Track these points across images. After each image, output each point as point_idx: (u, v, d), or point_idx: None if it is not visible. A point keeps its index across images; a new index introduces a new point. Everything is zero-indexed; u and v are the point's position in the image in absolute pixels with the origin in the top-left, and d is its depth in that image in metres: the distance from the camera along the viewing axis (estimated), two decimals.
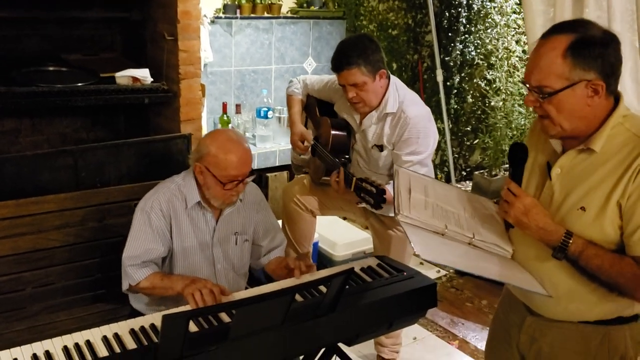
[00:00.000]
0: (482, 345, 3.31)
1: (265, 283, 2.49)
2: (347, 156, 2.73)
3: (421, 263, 4.16)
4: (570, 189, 1.60)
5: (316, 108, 2.89)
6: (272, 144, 4.22)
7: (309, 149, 2.85)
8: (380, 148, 2.58)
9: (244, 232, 2.34)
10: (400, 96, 2.57)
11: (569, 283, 1.62)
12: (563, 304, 1.65)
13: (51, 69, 3.10)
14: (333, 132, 2.68)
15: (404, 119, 2.51)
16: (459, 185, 5.36)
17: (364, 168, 2.71)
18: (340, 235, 3.95)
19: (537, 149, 1.72)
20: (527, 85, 1.56)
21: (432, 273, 4.04)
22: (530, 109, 4.82)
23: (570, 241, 1.54)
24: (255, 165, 4.12)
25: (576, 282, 1.61)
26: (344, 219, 4.32)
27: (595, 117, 1.55)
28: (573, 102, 1.51)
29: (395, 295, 1.97)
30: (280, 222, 3.00)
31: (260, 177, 4.39)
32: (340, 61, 2.46)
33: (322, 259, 3.91)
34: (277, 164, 4.25)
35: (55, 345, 1.68)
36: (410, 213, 1.66)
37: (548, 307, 1.69)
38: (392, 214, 2.65)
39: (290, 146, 3.03)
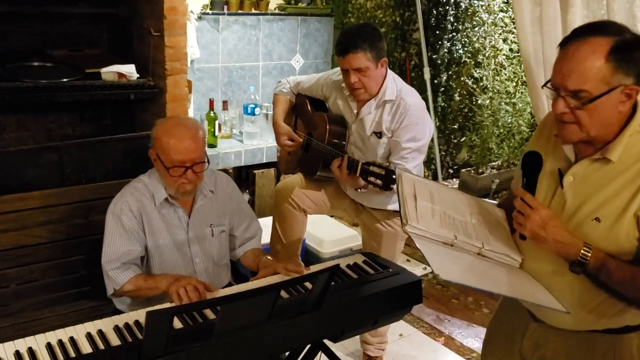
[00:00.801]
0: (467, 341, 3.33)
1: (250, 278, 2.49)
2: (344, 148, 2.72)
3: (408, 260, 4.18)
4: (584, 198, 1.54)
5: (308, 105, 2.89)
6: (259, 141, 4.21)
7: (302, 146, 2.85)
8: (379, 135, 2.59)
9: (219, 223, 2.34)
10: (397, 85, 2.60)
11: (581, 295, 1.58)
12: (573, 314, 1.59)
13: (36, 64, 3.07)
14: (330, 125, 2.68)
15: (403, 106, 2.54)
16: (446, 183, 5.38)
17: (361, 159, 2.71)
18: (328, 233, 3.95)
19: (547, 155, 1.64)
20: (558, 91, 1.47)
21: (418, 270, 4.06)
22: (518, 106, 4.86)
23: (590, 254, 1.48)
24: (242, 162, 4.12)
25: (588, 295, 1.57)
26: (331, 216, 4.32)
27: (617, 124, 1.50)
28: (607, 108, 1.45)
29: (380, 292, 1.98)
30: (269, 218, 3.01)
31: (248, 174, 4.39)
32: (347, 44, 2.47)
33: (310, 256, 3.91)
34: (264, 161, 4.25)
35: (38, 342, 1.67)
36: (418, 224, 1.60)
37: (555, 316, 1.65)
38: (390, 207, 2.67)
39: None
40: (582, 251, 1.49)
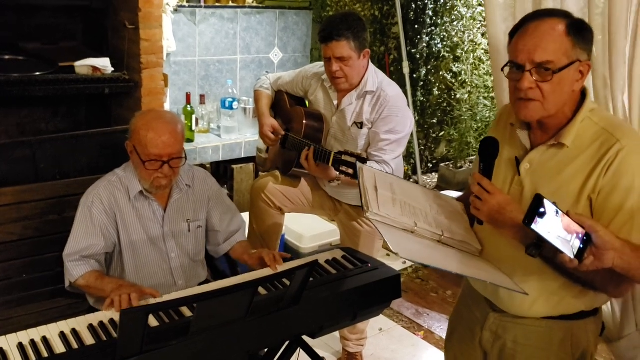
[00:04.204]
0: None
1: (229, 275, 2.47)
2: (321, 142, 2.70)
3: (387, 255, 4.18)
4: (541, 184, 1.59)
5: (286, 101, 2.87)
6: (237, 136, 4.17)
7: (279, 142, 2.82)
8: (360, 125, 2.58)
9: (196, 218, 2.31)
10: (379, 77, 2.60)
11: (537, 281, 1.62)
12: (530, 301, 1.64)
13: (7, 57, 3.01)
14: (307, 118, 2.66)
15: (384, 97, 2.54)
16: (424, 177, 5.40)
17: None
18: (307, 228, 3.94)
19: (504, 143, 1.68)
20: (522, 68, 1.51)
21: (397, 264, 4.06)
22: (497, 101, 4.88)
23: None
24: (220, 157, 4.08)
25: (544, 280, 1.62)
26: None
27: (569, 107, 1.57)
28: (566, 85, 1.51)
29: (359, 287, 1.97)
30: (246, 214, 2.98)
31: (226, 169, 4.35)
32: (330, 32, 2.45)
33: (289, 252, 3.89)
34: (242, 156, 4.21)
35: (9, 342, 1.63)
36: (379, 210, 1.63)
37: (514, 304, 1.69)
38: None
39: (255, 138, 2.98)
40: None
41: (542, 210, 1.34)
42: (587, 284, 1.59)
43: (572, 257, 1.36)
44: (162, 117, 2.13)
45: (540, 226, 1.33)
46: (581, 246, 1.37)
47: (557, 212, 1.36)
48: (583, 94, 1.60)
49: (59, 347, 1.63)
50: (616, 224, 1.50)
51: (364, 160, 2.19)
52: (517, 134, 1.67)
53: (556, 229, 1.35)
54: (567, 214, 1.38)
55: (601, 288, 1.59)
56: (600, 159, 1.51)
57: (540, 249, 1.47)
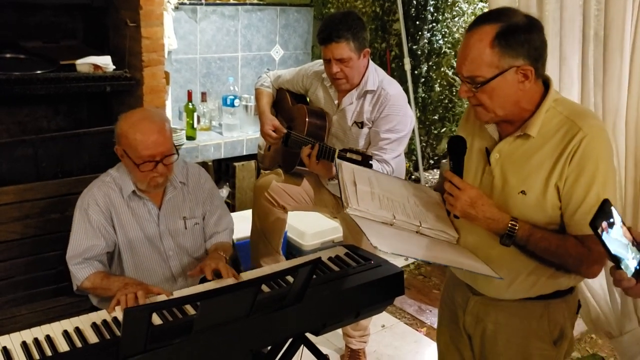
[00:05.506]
0: None
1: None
2: (323, 140, 2.70)
3: None
4: (510, 173, 1.65)
5: (288, 99, 2.86)
6: (239, 133, 4.17)
7: (281, 140, 2.81)
8: (361, 125, 2.58)
9: (192, 215, 2.31)
10: (379, 76, 2.59)
11: (513, 265, 1.68)
12: (506, 284, 1.70)
13: (9, 56, 3.00)
14: (309, 116, 2.65)
15: (384, 96, 2.53)
16: (426, 174, 5.40)
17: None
18: (309, 225, 3.93)
19: (474, 135, 1.76)
20: (460, 77, 1.59)
21: (400, 261, 4.05)
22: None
23: (517, 227, 1.59)
24: (222, 154, 4.07)
25: (519, 264, 1.68)
26: None
27: (528, 102, 1.60)
28: (505, 89, 1.55)
29: (362, 284, 1.97)
30: (250, 211, 2.98)
31: (228, 166, 4.35)
32: (330, 33, 2.44)
33: (291, 249, 3.89)
34: (244, 153, 4.20)
35: (13, 341, 1.63)
36: (359, 205, 1.67)
37: (491, 287, 1.75)
38: None
39: (257, 135, 2.98)
40: (509, 224, 1.59)
41: (611, 220, 1.27)
42: (560, 267, 1.65)
43: (630, 275, 1.26)
44: (147, 117, 2.11)
45: (608, 236, 1.25)
46: (637, 267, 1.28)
47: (622, 223, 1.29)
48: (547, 84, 1.63)
49: (63, 346, 1.63)
50: (584, 209, 1.55)
51: (369, 158, 2.19)
52: (486, 127, 1.72)
53: (619, 241, 1.28)
54: (629, 229, 1.31)
55: (574, 270, 1.65)
56: (565, 147, 1.56)
57: (513, 238, 1.58)
